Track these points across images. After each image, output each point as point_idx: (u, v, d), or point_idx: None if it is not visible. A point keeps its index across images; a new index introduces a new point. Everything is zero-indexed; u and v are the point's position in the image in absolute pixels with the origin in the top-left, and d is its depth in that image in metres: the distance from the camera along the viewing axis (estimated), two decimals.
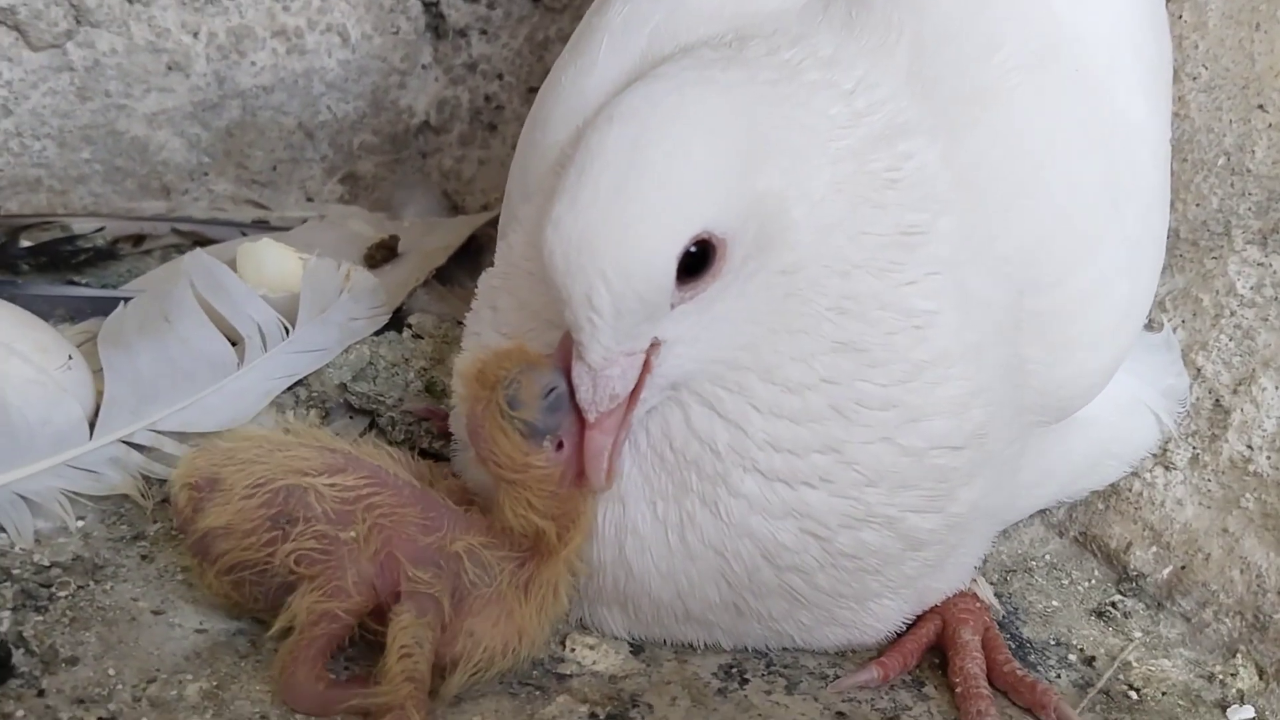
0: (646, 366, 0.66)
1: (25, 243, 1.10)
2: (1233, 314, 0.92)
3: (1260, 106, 0.91)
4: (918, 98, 0.73)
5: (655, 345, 0.66)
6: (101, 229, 1.14)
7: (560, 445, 0.68)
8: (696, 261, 0.64)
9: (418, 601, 0.69)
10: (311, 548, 0.70)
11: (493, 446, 0.68)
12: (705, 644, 0.78)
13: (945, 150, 0.72)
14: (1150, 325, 0.93)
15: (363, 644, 0.72)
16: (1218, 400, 0.91)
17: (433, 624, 0.69)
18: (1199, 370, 0.92)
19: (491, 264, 0.83)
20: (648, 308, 0.64)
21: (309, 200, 1.26)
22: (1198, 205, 0.94)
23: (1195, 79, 0.94)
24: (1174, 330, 0.93)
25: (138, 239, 1.16)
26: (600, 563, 0.72)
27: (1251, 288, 0.91)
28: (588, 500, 0.70)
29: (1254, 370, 0.90)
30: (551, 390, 0.67)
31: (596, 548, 0.71)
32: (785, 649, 0.79)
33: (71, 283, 1.07)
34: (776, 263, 0.67)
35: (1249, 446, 0.89)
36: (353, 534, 0.70)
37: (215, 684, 0.70)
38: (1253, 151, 0.91)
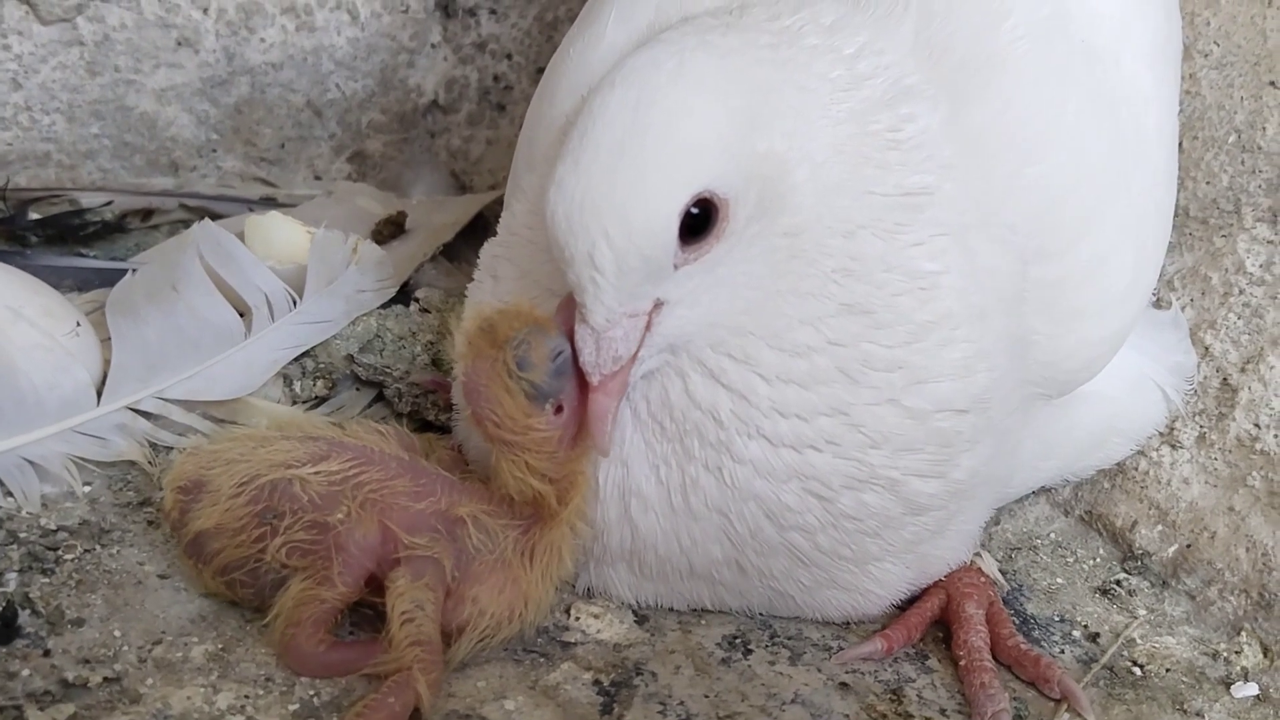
0: (648, 327, 0.66)
1: (34, 215, 1.10)
2: (1241, 292, 0.91)
3: (1272, 83, 0.91)
4: (923, 64, 0.73)
5: (658, 306, 0.66)
6: (109, 203, 1.14)
7: (559, 409, 0.69)
8: (699, 222, 0.65)
9: (413, 566, 0.69)
10: (301, 539, 0.69)
11: (494, 406, 0.68)
12: (710, 604, 0.78)
13: (951, 116, 0.72)
14: (1158, 303, 0.93)
15: (372, 614, 0.72)
16: (1225, 379, 0.90)
17: (432, 585, 0.69)
18: (1207, 349, 0.92)
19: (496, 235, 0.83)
20: (650, 266, 0.64)
21: (317, 178, 1.26)
22: (1208, 183, 0.93)
23: (1207, 55, 0.93)
24: (1182, 309, 0.93)
25: (146, 213, 1.16)
26: (605, 522, 0.72)
27: (1261, 266, 0.91)
28: (584, 461, 0.70)
29: (1262, 349, 0.89)
30: (559, 354, 0.67)
31: (601, 508, 0.71)
32: (789, 619, 0.79)
33: (79, 255, 1.07)
34: (780, 225, 0.67)
35: (1256, 425, 0.88)
36: (341, 515, 0.70)
37: (221, 646, 0.70)
38: (1264, 128, 0.91)
